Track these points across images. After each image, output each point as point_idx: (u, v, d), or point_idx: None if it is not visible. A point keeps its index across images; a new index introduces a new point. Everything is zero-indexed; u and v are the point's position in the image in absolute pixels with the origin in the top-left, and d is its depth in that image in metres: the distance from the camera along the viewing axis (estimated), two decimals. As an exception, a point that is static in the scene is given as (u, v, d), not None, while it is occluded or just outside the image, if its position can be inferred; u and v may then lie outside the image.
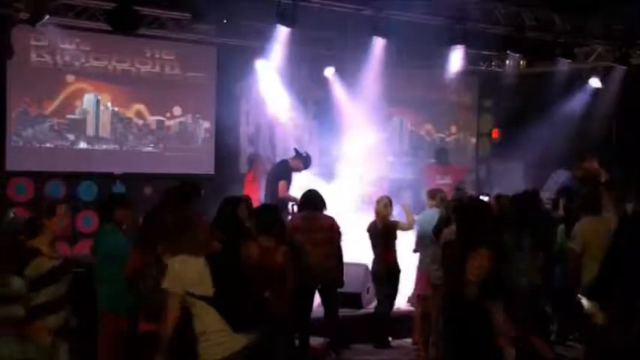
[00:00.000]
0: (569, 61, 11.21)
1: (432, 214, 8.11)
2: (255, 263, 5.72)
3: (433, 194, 8.58)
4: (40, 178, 10.31)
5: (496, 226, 5.48)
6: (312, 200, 7.67)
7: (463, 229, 5.12)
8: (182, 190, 6.80)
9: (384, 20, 9.74)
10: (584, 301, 5.65)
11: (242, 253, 5.68)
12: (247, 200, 7.07)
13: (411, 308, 8.95)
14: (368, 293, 9.09)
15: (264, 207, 7.14)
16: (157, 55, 11.14)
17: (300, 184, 9.97)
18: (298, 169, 9.78)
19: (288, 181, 9.48)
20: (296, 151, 9.99)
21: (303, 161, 9.84)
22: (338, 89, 12.11)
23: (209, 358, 4.58)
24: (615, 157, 11.48)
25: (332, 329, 7.77)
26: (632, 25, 10.72)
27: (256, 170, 10.78)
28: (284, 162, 9.86)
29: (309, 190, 7.87)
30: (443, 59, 11.82)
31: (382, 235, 8.35)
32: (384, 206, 8.47)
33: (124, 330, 6.07)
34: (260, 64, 11.36)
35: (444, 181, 11.66)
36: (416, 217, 8.54)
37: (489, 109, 14.36)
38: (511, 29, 10.43)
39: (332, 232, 7.60)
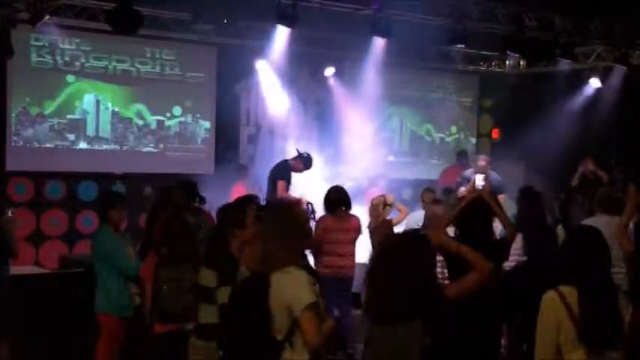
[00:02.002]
0: (569, 61, 11.20)
1: (418, 213, 8.32)
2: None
3: (422, 194, 8.76)
4: (40, 178, 10.33)
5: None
6: (340, 198, 7.76)
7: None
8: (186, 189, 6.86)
9: (384, 20, 9.73)
10: None
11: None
12: (257, 200, 7.08)
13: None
14: (368, 293, 9.09)
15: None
16: (157, 55, 11.14)
17: (301, 183, 10.00)
18: (299, 170, 9.74)
19: (287, 181, 9.44)
20: (297, 151, 9.96)
21: (304, 162, 9.79)
22: (338, 89, 12.12)
23: None
24: (615, 157, 11.49)
25: (342, 329, 7.81)
26: (632, 25, 10.72)
27: (246, 180, 10.70)
28: (284, 162, 9.82)
29: (337, 187, 7.91)
30: (443, 59, 11.82)
31: (379, 234, 8.37)
32: (377, 206, 8.49)
33: (119, 330, 6.09)
34: (260, 64, 11.37)
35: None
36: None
37: (489, 109, 14.36)
38: (511, 29, 10.42)
39: (355, 232, 7.81)
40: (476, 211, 5.27)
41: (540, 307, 3.85)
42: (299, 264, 4.05)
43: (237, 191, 10.05)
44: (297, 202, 7.70)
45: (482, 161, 10.47)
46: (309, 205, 9.22)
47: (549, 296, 3.84)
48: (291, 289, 3.87)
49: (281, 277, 3.91)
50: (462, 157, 12.44)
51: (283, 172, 9.51)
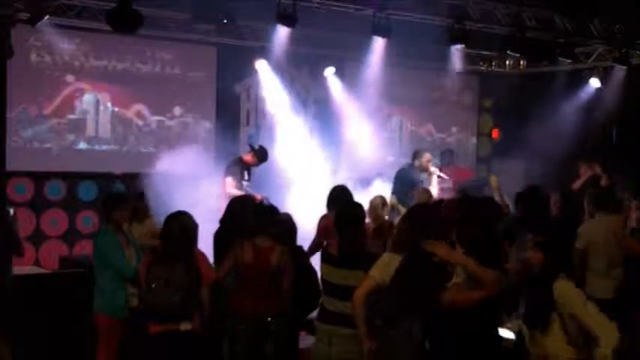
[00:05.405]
0: (569, 61, 11.20)
1: None
2: (249, 263, 5.74)
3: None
4: (40, 178, 10.33)
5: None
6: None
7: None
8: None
9: (384, 20, 9.73)
10: None
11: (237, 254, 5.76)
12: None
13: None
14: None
15: (263, 207, 7.12)
16: (157, 55, 11.14)
17: (301, 183, 10.00)
18: (253, 164, 9.62)
19: (237, 177, 9.28)
20: (250, 146, 9.83)
21: (257, 155, 9.64)
22: (338, 89, 12.12)
23: None
24: (615, 157, 11.48)
25: None
26: (632, 25, 10.72)
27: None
28: (235, 158, 9.66)
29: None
30: (443, 59, 11.81)
31: (377, 235, 8.29)
32: (376, 206, 8.43)
33: (115, 331, 6.08)
34: (260, 64, 11.36)
35: (444, 184, 11.58)
36: None
37: (489, 109, 14.36)
38: (511, 29, 10.42)
39: None
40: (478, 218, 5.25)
41: (563, 293, 4.25)
42: None
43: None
44: (246, 197, 7.64)
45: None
46: (265, 200, 9.10)
47: (566, 283, 4.26)
48: None
49: None
50: (446, 157, 12.40)
51: (232, 168, 9.34)
